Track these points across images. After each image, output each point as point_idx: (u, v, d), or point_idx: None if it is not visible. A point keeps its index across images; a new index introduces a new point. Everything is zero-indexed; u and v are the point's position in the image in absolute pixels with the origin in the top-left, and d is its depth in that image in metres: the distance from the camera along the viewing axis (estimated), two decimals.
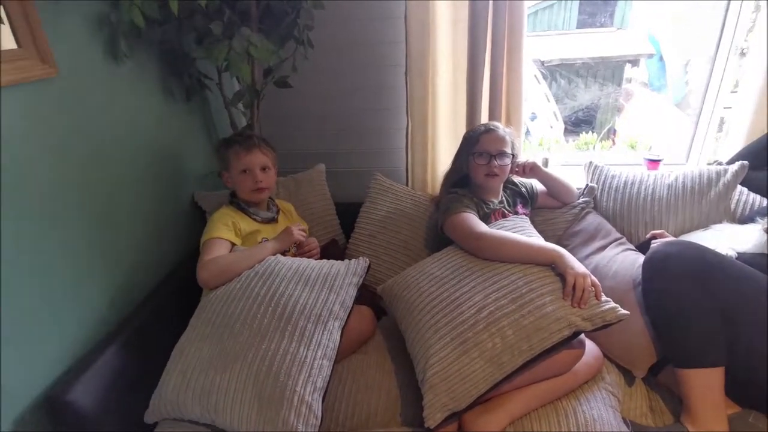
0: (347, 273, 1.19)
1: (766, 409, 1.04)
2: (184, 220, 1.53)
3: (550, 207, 1.56)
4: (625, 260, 1.32)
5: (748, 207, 1.44)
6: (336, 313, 1.09)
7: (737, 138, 1.61)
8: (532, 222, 1.35)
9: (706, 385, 1.03)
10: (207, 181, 1.65)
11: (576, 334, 1.00)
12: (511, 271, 1.10)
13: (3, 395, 0.89)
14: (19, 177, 0.93)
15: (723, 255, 1.14)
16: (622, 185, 1.55)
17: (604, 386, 1.12)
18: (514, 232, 1.21)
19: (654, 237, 1.41)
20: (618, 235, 1.46)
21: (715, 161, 1.67)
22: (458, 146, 1.47)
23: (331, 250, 1.55)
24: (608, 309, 1.02)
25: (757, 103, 1.53)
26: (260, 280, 1.12)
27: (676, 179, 1.51)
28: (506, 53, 1.53)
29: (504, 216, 1.36)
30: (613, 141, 2.93)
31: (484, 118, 1.62)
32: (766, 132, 1.49)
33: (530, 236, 1.21)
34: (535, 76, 2.89)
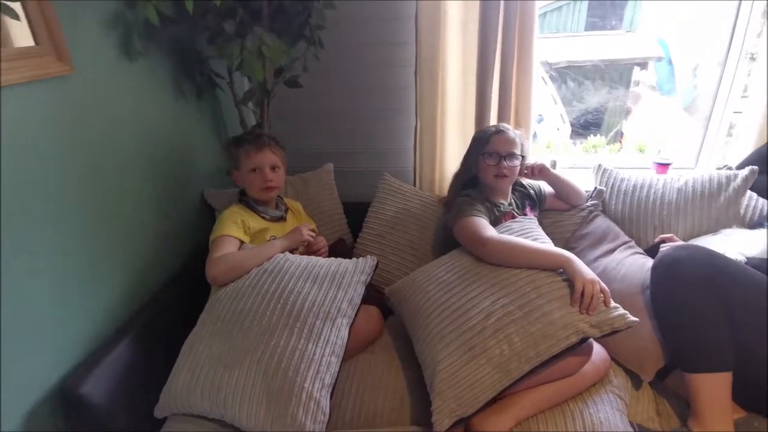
0: (355, 271, 1.19)
1: None
2: (193, 218, 1.54)
3: (558, 209, 1.56)
4: (633, 264, 1.31)
5: (758, 212, 1.44)
6: (344, 310, 1.10)
7: (747, 142, 1.61)
8: (540, 224, 1.34)
9: (713, 389, 1.03)
10: (216, 179, 1.66)
11: (583, 340, 1.00)
12: (518, 277, 1.09)
13: (16, 388, 0.90)
14: (35, 173, 0.95)
15: (732, 260, 1.13)
16: (631, 188, 1.55)
17: (611, 389, 1.12)
18: (521, 235, 1.21)
19: (663, 241, 1.41)
20: (626, 238, 1.46)
21: (724, 165, 1.66)
22: (467, 147, 1.48)
23: (339, 249, 1.56)
24: (617, 316, 1.01)
25: (767, 108, 1.52)
26: (269, 278, 1.13)
27: (686, 183, 1.50)
28: (516, 54, 1.53)
29: (513, 218, 1.35)
30: (621, 144, 2.91)
31: (493, 119, 1.63)
32: None
33: (538, 239, 1.20)
34: (543, 78, 2.88)
